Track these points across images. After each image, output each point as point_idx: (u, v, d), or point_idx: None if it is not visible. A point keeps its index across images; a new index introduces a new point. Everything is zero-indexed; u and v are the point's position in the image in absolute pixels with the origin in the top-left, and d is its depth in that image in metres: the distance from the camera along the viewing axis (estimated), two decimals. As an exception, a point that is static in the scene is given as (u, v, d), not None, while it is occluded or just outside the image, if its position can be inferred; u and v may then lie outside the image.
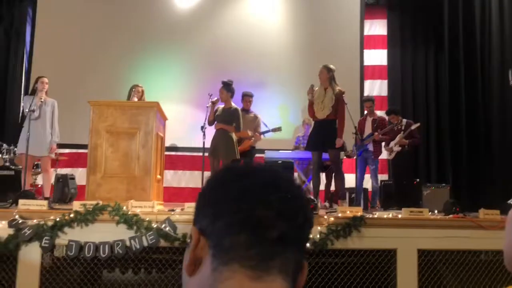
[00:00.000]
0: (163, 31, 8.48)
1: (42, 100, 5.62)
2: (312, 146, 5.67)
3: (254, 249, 0.61)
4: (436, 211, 4.96)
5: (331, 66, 5.66)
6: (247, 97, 6.71)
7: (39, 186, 6.73)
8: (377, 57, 8.99)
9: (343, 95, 5.52)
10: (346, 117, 5.54)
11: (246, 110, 6.64)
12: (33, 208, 4.22)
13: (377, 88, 8.93)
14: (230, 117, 5.78)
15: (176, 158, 8.28)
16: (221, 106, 5.89)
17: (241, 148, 6.34)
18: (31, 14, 8.71)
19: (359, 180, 6.35)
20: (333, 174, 6.07)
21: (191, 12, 8.60)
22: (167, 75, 8.31)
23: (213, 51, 8.46)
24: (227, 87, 5.84)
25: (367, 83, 8.87)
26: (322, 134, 5.55)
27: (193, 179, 8.22)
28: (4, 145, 6.63)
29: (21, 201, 4.26)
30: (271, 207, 0.62)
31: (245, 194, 0.63)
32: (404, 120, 6.87)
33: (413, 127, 6.67)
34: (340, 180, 5.76)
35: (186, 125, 7.86)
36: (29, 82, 8.33)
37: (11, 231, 4.03)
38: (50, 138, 5.79)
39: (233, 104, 5.90)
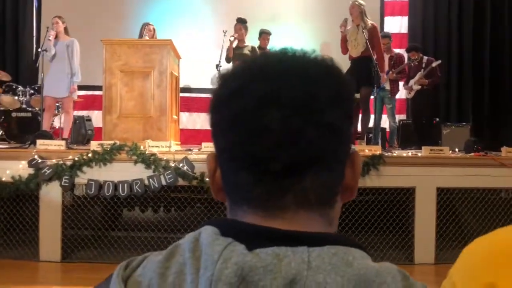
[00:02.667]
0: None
1: (50, 39, 5.50)
2: None
3: (257, 188, 0.52)
4: (457, 150, 4.87)
5: (361, 1, 5.40)
6: (265, 35, 6.49)
7: (57, 128, 6.77)
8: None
9: (363, 31, 5.29)
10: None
11: (263, 49, 6.45)
12: (51, 148, 4.25)
13: (397, 24, 8.57)
14: (250, 55, 5.64)
15: (191, 100, 8.20)
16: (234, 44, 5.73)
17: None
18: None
19: (377, 119, 6.23)
20: (360, 114, 5.81)
21: None
22: (178, 12, 8.05)
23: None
24: (244, 24, 5.66)
25: (387, 20, 8.52)
26: (357, 72, 5.21)
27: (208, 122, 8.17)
28: (19, 87, 6.61)
29: (39, 141, 4.28)
30: (266, 132, 0.50)
31: (236, 121, 0.52)
32: (425, 58, 6.63)
33: (434, 64, 6.44)
34: (366, 120, 5.58)
35: (200, 64, 7.70)
36: (40, 23, 8.19)
37: (31, 170, 4.08)
38: (69, 79, 5.70)
39: (248, 42, 5.74)
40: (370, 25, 5.32)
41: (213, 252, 0.47)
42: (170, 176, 4.04)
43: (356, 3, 5.35)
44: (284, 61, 0.54)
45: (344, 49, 5.44)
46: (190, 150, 4.40)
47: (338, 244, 0.48)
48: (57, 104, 6.32)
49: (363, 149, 4.40)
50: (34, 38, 8.12)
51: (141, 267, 0.51)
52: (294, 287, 0.45)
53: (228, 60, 5.64)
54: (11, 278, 3.64)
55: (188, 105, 8.08)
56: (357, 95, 5.46)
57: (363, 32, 5.21)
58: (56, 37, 5.70)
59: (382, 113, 6.66)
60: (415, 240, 4.20)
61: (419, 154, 4.53)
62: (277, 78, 0.52)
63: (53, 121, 6.92)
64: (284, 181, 0.51)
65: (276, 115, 0.50)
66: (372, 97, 6.40)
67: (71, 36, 5.95)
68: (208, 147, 4.32)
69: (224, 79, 0.58)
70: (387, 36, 6.84)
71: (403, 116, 7.88)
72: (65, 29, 5.75)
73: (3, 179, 4.10)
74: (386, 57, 6.66)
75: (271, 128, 0.50)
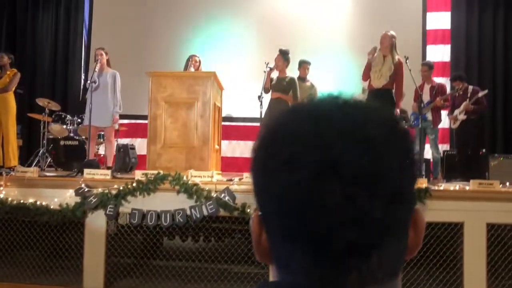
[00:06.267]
0: (218, 1, 8.43)
1: (96, 70, 5.71)
2: None
3: (315, 272, 0.46)
4: (508, 183, 4.68)
5: (394, 33, 5.38)
6: (305, 65, 6.53)
7: (102, 155, 6.96)
8: (440, 20, 8.46)
9: (407, 61, 5.24)
10: (409, 84, 5.28)
11: (302, 79, 6.48)
12: (97, 177, 4.36)
13: (439, 53, 8.45)
14: (287, 86, 5.68)
15: (231, 128, 8.29)
16: (275, 75, 5.79)
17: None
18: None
19: (421, 151, 6.08)
20: None
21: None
22: (222, 45, 8.25)
23: (267, 19, 8.30)
24: (285, 55, 5.72)
25: (429, 49, 8.41)
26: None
27: (248, 149, 8.23)
28: (68, 116, 6.88)
29: (86, 171, 4.40)
30: (325, 210, 0.44)
31: (288, 196, 0.46)
32: (470, 87, 6.47)
33: (480, 94, 6.26)
34: None
35: (243, 95, 7.81)
36: (88, 55, 8.57)
37: (78, 199, 4.19)
38: (112, 109, 5.87)
39: (288, 73, 5.79)
40: (397, 59, 5.28)
41: None
42: (212, 206, 4.05)
43: (389, 33, 5.34)
44: (338, 120, 0.47)
45: (366, 76, 5.42)
46: (231, 180, 4.41)
47: None
48: (99, 133, 6.51)
49: (408, 182, 4.28)
50: (82, 70, 8.50)
51: None
52: None
53: (266, 91, 5.68)
54: (56, 305, 3.70)
55: (228, 133, 8.17)
56: None
57: (391, 65, 5.19)
58: (100, 68, 5.92)
59: (425, 144, 6.50)
60: (464, 278, 4.01)
61: (467, 188, 4.37)
62: (333, 144, 0.45)
63: (98, 148, 7.14)
64: (348, 261, 0.45)
65: (337, 190, 0.43)
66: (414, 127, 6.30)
67: (117, 67, 6.17)
68: (249, 177, 4.31)
69: (269, 142, 0.50)
70: (426, 64, 6.61)
71: (446, 147, 7.68)
72: (108, 61, 5.97)
73: (51, 206, 4.22)
74: (427, 87, 6.52)
75: (331, 205, 0.44)
